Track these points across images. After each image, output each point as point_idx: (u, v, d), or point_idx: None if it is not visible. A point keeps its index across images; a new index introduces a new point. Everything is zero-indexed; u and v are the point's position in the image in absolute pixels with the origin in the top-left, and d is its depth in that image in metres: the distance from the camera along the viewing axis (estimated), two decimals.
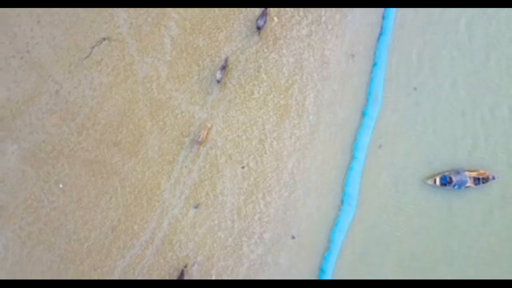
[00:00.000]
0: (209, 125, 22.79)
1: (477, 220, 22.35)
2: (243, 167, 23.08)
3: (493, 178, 22.29)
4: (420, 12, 23.84)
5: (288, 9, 23.59)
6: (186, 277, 22.11)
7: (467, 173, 22.24)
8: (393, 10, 23.79)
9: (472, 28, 23.67)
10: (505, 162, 22.61)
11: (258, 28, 23.08)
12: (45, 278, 22.28)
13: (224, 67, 22.88)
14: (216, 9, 23.63)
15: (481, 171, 22.35)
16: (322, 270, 22.60)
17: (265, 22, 23.10)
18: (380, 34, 23.74)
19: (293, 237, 22.85)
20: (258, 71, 23.34)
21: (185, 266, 22.21)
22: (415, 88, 23.30)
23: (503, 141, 22.84)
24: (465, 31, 23.65)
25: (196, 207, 22.81)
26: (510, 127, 22.97)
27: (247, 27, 23.42)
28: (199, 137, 22.59)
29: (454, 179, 22.21)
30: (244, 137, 23.27)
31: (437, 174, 22.66)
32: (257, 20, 23.09)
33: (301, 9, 23.50)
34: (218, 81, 22.89)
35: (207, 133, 22.82)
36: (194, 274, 22.60)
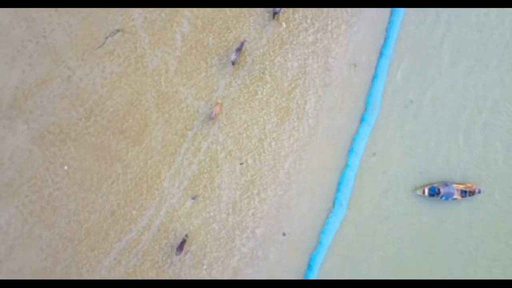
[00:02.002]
0: (220, 101, 23.67)
1: (461, 231, 23.33)
2: (241, 164, 24.01)
3: (479, 191, 23.27)
4: (423, 28, 24.79)
5: (296, 15, 24.52)
6: (186, 246, 23.08)
7: (455, 186, 23.22)
8: (397, 24, 24.72)
9: (471, 47, 24.63)
10: (492, 177, 23.56)
11: (275, 14, 24.03)
12: (44, 255, 23.14)
13: (239, 49, 23.75)
14: (227, 10, 24.53)
15: (468, 185, 23.33)
16: (309, 268, 23.52)
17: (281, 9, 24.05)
18: (383, 46, 24.69)
19: (284, 234, 23.79)
20: (263, 73, 24.29)
21: (186, 236, 23.13)
22: (411, 101, 24.27)
23: (492, 157, 23.77)
24: (464, 49, 24.62)
25: (193, 198, 23.73)
26: (501, 144, 23.92)
27: (256, 30, 24.37)
28: (212, 112, 23.47)
29: (442, 190, 23.19)
30: (244, 135, 24.20)
31: (426, 185, 23.64)
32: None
33: (309, 16, 24.45)
34: (233, 63, 23.73)
35: (220, 108, 23.67)
36: (187, 262, 23.54)
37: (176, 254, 23.01)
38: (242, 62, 24.20)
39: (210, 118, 23.70)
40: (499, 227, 23.25)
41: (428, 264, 23.31)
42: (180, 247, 22.98)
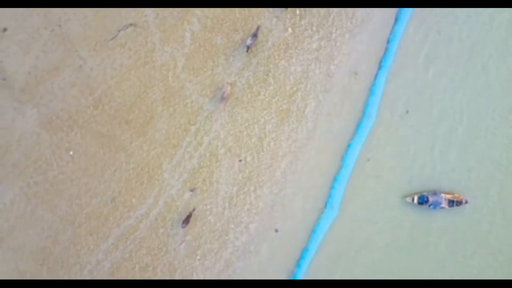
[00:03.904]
0: (230, 81, 24.54)
1: (446, 239, 24.29)
2: (240, 161, 24.92)
3: (466, 202, 24.21)
4: (423, 42, 25.74)
5: (302, 22, 25.47)
6: (191, 220, 24.05)
7: (443, 195, 24.15)
8: (398, 36, 25.70)
9: (468, 62, 25.57)
10: (480, 189, 24.50)
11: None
12: (44, 235, 23.99)
13: (255, 35, 24.63)
14: (236, 12, 25.46)
15: (456, 195, 24.27)
16: (298, 265, 24.43)
17: None
18: (383, 57, 25.65)
19: (276, 231, 24.70)
20: (267, 75, 25.21)
21: (193, 210, 24.12)
22: (407, 111, 25.24)
23: (481, 169, 24.72)
24: (462, 64, 25.56)
25: (192, 190, 24.62)
26: (491, 158, 24.87)
27: (263, 33, 25.26)
28: (224, 93, 24.36)
29: (431, 199, 24.12)
30: (245, 133, 25.11)
31: (415, 193, 24.56)
32: None
33: (315, 24, 25.42)
34: (248, 47, 24.60)
35: (231, 89, 24.54)
36: (181, 252, 24.44)
37: (182, 227, 23.90)
38: (247, 63, 25.14)
39: (222, 98, 24.53)
40: (482, 237, 24.17)
41: (413, 268, 24.22)
42: (186, 220, 23.85)
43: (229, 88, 24.53)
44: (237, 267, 24.49)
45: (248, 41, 24.61)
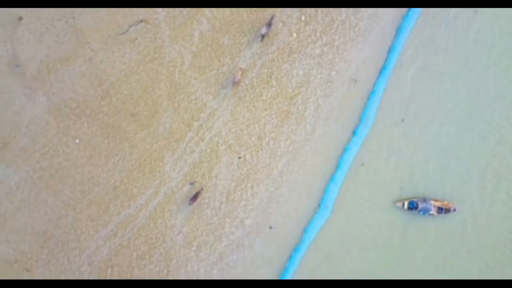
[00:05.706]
0: (242, 67, 25.27)
1: (434, 244, 25.22)
2: (239, 158, 25.79)
3: (454, 210, 25.10)
4: (423, 54, 26.63)
5: (307, 28, 26.38)
6: (199, 198, 25.02)
7: (432, 202, 25.04)
8: (398, 47, 26.58)
9: (466, 75, 26.44)
10: (469, 199, 25.37)
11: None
12: (46, 219, 24.85)
13: (269, 24, 25.50)
14: (244, 14, 26.34)
15: (445, 202, 25.17)
16: (290, 262, 25.29)
17: None
18: (383, 67, 26.56)
19: (270, 227, 25.57)
20: (270, 77, 26.04)
21: (202, 189, 25.05)
22: (403, 120, 26.14)
23: (473, 180, 25.56)
24: (460, 78, 26.39)
25: (191, 184, 25.49)
26: (482, 170, 25.69)
27: (268, 36, 26.21)
28: (235, 77, 25.11)
29: (420, 205, 25.03)
30: (245, 131, 25.97)
31: (406, 199, 25.47)
32: None
33: (318, 30, 26.34)
34: (263, 36, 25.45)
35: (241, 74, 25.26)
36: (178, 242, 25.32)
37: (189, 204, 24.85)
38: (252, 65, 26.04)
39: (233, 82, 25.35)
40: (469, 243, 25.06)
41: (401, 269, 25.10)
42: (194, 198, 24.77)
43: (240, 73, 25.29)
44: (230, 260, 25.36)
45: (263, 30, 25.46)
